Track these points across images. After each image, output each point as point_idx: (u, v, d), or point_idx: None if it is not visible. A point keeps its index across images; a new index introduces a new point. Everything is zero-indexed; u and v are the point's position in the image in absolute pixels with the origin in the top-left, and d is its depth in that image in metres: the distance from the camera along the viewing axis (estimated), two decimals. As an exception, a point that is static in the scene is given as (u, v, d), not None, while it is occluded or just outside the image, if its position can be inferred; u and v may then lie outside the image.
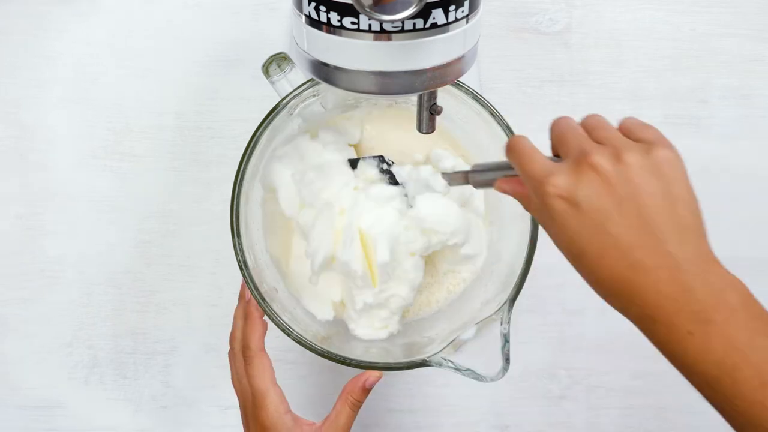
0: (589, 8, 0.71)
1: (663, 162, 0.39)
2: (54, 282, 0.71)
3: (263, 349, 0.55)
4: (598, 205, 0.39)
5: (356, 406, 0.55)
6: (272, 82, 0.56)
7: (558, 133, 0.42)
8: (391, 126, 0.64)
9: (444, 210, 0.58)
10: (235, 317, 0.57)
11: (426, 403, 0.72)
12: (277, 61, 0.55)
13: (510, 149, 0.43)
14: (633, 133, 0.41)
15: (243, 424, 0.56)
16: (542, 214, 0.41)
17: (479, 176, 0.48)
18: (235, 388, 0.57)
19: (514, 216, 0.57)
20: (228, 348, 0.57)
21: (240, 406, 0.56)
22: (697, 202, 0.39)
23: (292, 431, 0.53)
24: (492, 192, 0.48)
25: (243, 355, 0.55)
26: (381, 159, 0.60)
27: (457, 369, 0.53)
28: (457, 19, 0.40)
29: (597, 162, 0.39)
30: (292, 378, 0.72)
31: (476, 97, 0.55)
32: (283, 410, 0.54)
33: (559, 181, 0.40)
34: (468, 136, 0.62)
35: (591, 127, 0.42)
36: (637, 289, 0.38)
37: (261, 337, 0.55)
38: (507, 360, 0.52)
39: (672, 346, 0.38)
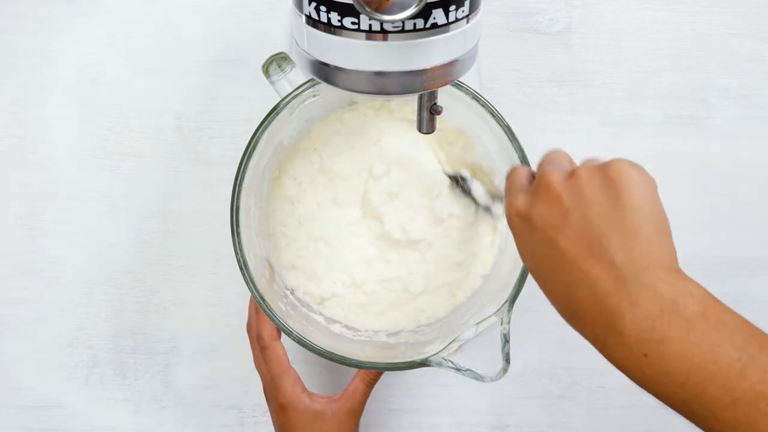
0: (589, 8, 0.71)
1: (615, 172, 0.38)
2: (54, 282, 0.71)
3: (276, 338, 0.57)
4: (548, 219, 0.39)
5: (372, 384, 0.58)
6: (272, 82, 0.56)
7: (540, 163, 0.44)
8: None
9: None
10: (249, 307, 0.60)
11: (426, 403, 0.72)
12: (277, 61, 0.55)
13: (508, 174, 0.46)
14: (595, 161, 0.42)
15: (267, 403, 0.60)
16: (511, 232, 0.43)
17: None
18: (257, 371, 0.60)
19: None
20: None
21: (262, 387, 0.60)
22: (650, 207, 0.37)
23: (311, 406, 0.56)
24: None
25: (258, 344, 0.58)
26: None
27: (457, 369, 0.53)
28: (457, 19, 0.40)
29: (550, 179, 0.40)
30: (292, 378, 0.72)
31: (476, 97, 0.55)
32: (299, 390, 0.57)
33: (519, 200, 0.41)
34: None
35: (567, 156, 0.44)
36: (583, 308, 0.36)
37: (273, 327, 0.57)
38: (507, 360, 0.52)
39: (630, 370, 0.35)
